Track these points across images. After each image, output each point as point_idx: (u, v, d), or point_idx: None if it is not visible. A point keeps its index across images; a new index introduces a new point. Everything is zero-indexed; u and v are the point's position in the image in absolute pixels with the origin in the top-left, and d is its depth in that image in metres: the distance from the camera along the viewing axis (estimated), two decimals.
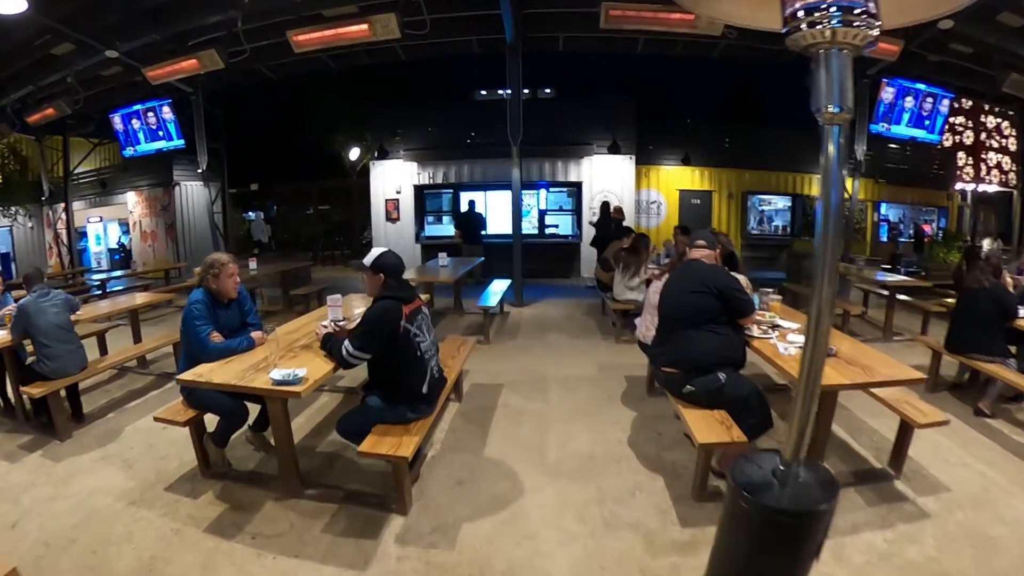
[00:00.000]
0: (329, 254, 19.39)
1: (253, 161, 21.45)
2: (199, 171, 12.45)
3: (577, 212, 14.21)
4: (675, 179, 16.80)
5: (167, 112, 12.10)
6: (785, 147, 17.34)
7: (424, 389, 3.52)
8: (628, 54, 11.90)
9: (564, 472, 3.99)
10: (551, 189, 14.29)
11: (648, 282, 7.45)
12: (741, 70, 21.70)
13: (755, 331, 4.03)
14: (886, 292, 8.37)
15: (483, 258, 11.46)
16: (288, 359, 3.65)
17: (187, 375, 3.42)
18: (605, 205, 12.18)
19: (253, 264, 9.35)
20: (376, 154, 14.39)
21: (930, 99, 11.33)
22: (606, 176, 13.67)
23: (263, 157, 22.46)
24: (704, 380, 3.59)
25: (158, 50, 9.83)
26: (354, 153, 14.46)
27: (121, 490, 3.79)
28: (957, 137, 16.47)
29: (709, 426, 3.40)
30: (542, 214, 14.60)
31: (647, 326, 4.76)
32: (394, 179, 14.47)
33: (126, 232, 18.02)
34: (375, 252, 3.54)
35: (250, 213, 21.23)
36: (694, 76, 22.27)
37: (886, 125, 11.32)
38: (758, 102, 22.23)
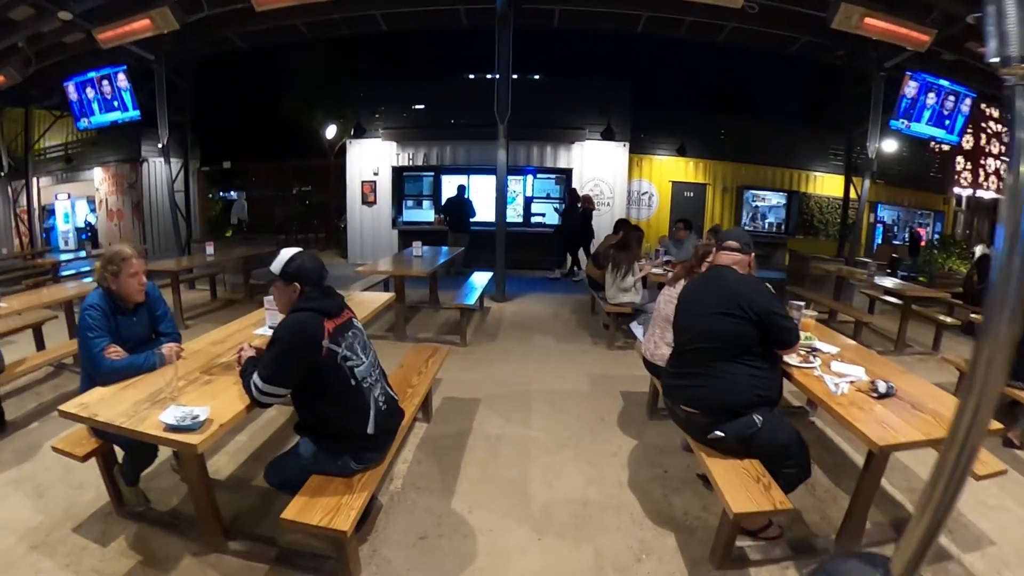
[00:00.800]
0: (303, 237, 18.45)
1: (227, 137, 20.72)
2: (159, 146, 11.35)
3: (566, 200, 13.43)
4: (668, 170, 16.11)
5: (122, 80, 10.96)
6: (781, 142, 16.83)
7: (369, 429, 2.67)
8: (627, 34, 11.12)
9: (553, 526, 3.23)
10: (539, 175, 13.48)
11: (645, 280, 6.83)
12: (739, 60, 21.12)
13: (793, 358, 3.29)
14: (894, 300, 7.83)
15: (464, 247, 10.71)
16: (197, 388, 2.82)
17: (71, 405, 2.59)
18: (573, 193, 11.43)
19: (210, 249, 8.50)
20: (352, 132, 13.48)
21: (952, 97, 10.59)
22: (598, 163, 12.92)
23: (238, 133, 21.67)
24: (736, 425, 2.86)
25: (115, 13, 8.91)
26: (331, 131, 13.56)
27: (26, 528, 3.09)
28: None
29: (744, 486, 2.66)
30: (528, 201, 13.81)
31: (655, 342, 4.03)
32: (371, 159, 13.60)
33: (94, 210, 17.01)
34: (285, 254, 2.70)
35: (232, 193, 20.27)
36: (691, 64, 21.55)
37: (906, 122, 10.59)
38: (756, 94, 21.63)
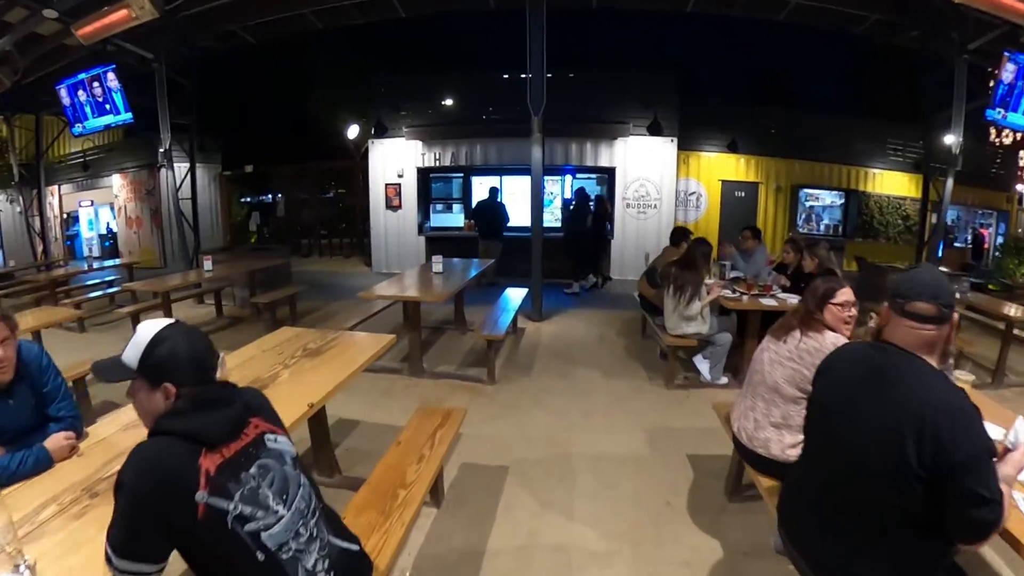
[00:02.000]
0: (327, 243, 17.60)
1: (250, 140, 20.17)
2: (160, 150, 10.49)
3: (609, 201, 12.25)
4: (717, 168, 14.80)
5: (112, 80, 10.09)
6: (837, 136, 15.33)
7: None
8: (669, 19, 9.99)
9: None
10: (578, 175, 12.30)
11: (723, 310, 5.63)
12: (791, 44, 19.49)
13: None
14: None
15: (496, 257, 9.67)
16: (66, 523, 1.76)
17: None
18: (581, 192, 10.22)
19: (208, 264, 7.57)
20: (374, 131, 12.50)
21: None
22: (643, 161, 11.70)
23: (261, 135, 21.01)
24: None
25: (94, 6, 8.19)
26: (353, 131, 12.63)
27: None
28: (1019, 134, 14.54)
29: None
30: (567, 204, 12.61)
31: (754, 419, 2.84)
32: (395, 160, 12.61)
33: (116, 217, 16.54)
34: (146, 333, 1.51)
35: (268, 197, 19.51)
36: (738, 51, 19.99)
37: (1002, 112, 9.05)
38: (808, 83, 19.90)
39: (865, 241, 15.50)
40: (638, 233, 11.89)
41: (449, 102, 12.28)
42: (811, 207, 15.95)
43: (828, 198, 15.89)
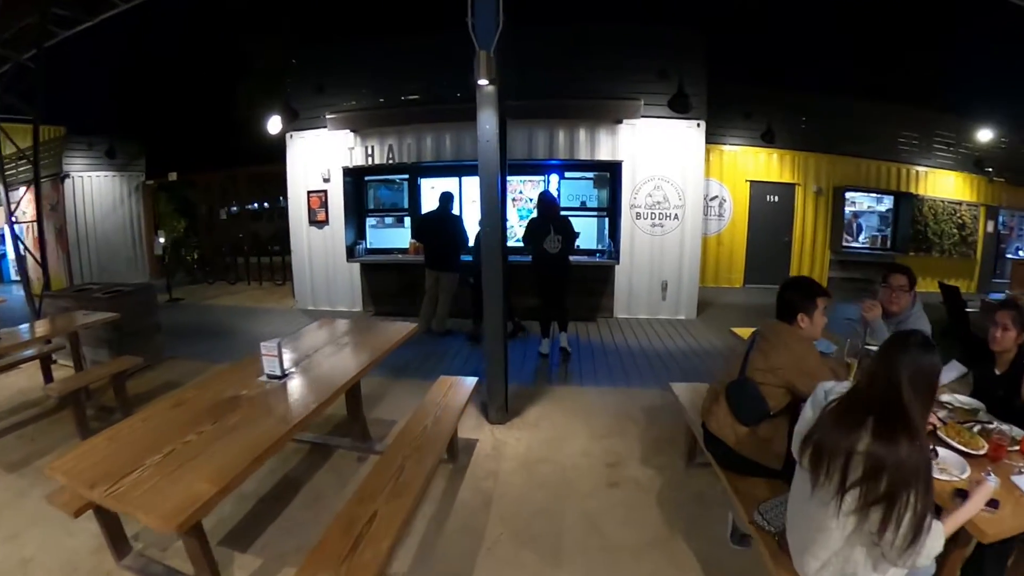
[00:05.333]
0: (258, 264, 13.95)
1: (175, 144, 16.73)
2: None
3: (611, 211, 8.88)
4: (746, 165, 11.60)
5: None
6: (884, 126, 12.24)
7: None
8: None
9: None
10: (567, 174, 8.89)
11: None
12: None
13: None
14: None
15: (450, 295, 6.37)
16: None
17: None
18: (545, 198, 6.65)
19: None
20: (286, 120, 9.13)
21: None
22: (660, 152, 8.31)
23: (186, 138, 17.65)
24: None
25: None
26: (274, 124, 9.26)
27: None
28: None
29: None
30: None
31: None
32: (320, 159, 9.19)
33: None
34: None
35: None
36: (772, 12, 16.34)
37: None
38: (839, 60, 16.36)
39: (917, 255, 12.39)
40: (652, 254, 8.51)
41: (386, 77, 8.85)
42: (854, 214, 12.82)
43: (865, 202, 12.76)
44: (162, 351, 6.73)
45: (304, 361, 3.54)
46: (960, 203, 12.80)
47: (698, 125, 8.25)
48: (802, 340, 2.75)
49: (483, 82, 3.96)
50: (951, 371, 3.42)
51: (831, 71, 14.94)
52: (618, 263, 8.39)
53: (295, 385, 3.15)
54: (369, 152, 8.77)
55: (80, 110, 14.98)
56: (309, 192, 9.36)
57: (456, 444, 4.05)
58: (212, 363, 6.47)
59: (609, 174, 8.69)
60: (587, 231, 8.57)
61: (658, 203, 8.37)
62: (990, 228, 13.45)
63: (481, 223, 4.29)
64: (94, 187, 12.77)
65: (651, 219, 8.44)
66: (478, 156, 4.17)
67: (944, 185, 12.78)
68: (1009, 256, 14.02)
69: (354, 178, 9.31)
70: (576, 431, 4.57)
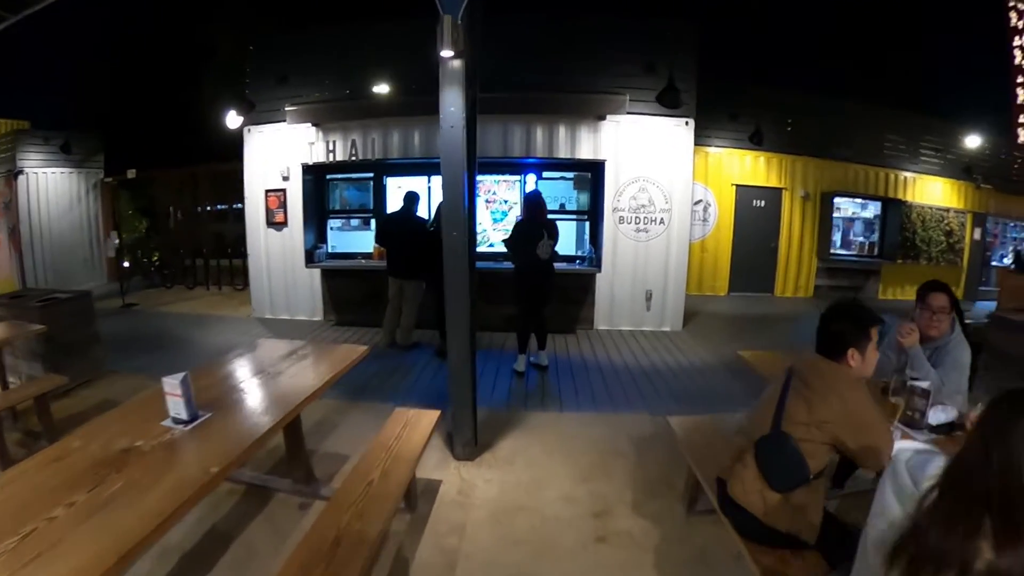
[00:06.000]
0: (217, 267, 13.13)
1: (134, 139, 15.83)
2: None
3: (593, 214, 8.27)
4: (731, 168, 11.12)
5: None
6: (873, 130, 12.00)
7: None
8: None
9: None
10: (544, 174, 8.26)
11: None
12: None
13: None
14: None
15: (414, 308, 5.67)
16: None
17: None
18: (534, 199, 5.90)
19: None
20: (242, 113, 8.40)
21: None
22: (646, 151, 7.72)
23: (146, 133, 16.71)
24: None
25: None
26: (233, 119, 8.54)
27: None
28: None
29: None
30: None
31: None
32: (279, 155, 8.47)
33: None
34: None
35: None
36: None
37: None
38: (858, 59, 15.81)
39: (904, 263, 12.08)
40: (636, 261, 7.93)
41: (349, 67, 8.16)
42: (850, 220, 12.47)
43: (851, 208, 12.39)
44: (102, 365, 6.04)
45: (226, 396, 2.86)
46: (948, 210, 12.54)
47: (686, 124, 7.68)
48: (855, 384, 2.14)
49: (447, 54, 3.25)
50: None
51: (818, 72, 14.55)
52: (600, 271, 7.78)
53: (205, 433, 2.47)
54: (330, 148, 8.06)
55: (35, 102, 14.16)
56: (267, 191, 8.62)
57: (415, 489, 3.40)
58: (154, 379, 5.72)
59: (591, 174, 8.08)
60: (567, 236, 7.91)
61: (643, 206, 7.78)
62: (977, 235, 13.22)
63: (444, 226, 3.60)
64: (49, 184, 11.93)
65: (635, 223, 7.85)
66: (440, 146, 3.47)
67: (932, 191, 12.52)
68: (994, 264, 13.80)
69: (315, 176, 8.59)
70: (556, 470, 3.93)
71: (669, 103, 7.10)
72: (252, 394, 2.92)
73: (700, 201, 10.84)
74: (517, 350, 6.02)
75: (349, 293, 8.35)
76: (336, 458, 4.05)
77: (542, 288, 5.79)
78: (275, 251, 8.72)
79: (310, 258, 8.41)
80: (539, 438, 4.40)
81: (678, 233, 7.91)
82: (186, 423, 2.54)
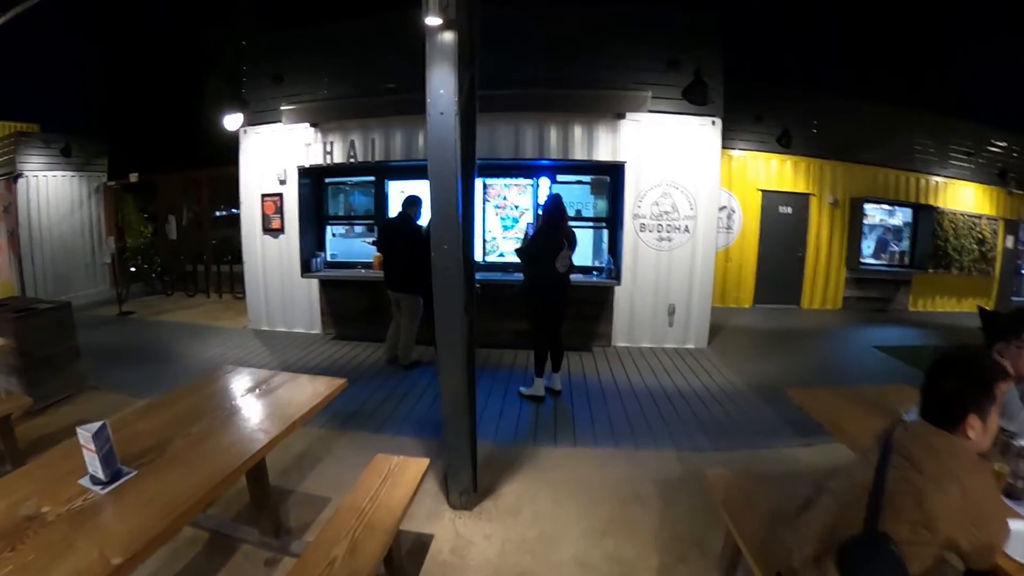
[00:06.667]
0: (217, 273, 12.66)
1: (140, 143, 15.56)
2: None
3: (611, 221, 7.66)
4: (757, 173, 10.50)
5: None
6: (903, 132, 11.26)
7: None
8: None
9: None
10: (559, 177, 7.66)
11: None
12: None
13: None
14: None
15: (416, 325, 5.18)
16: None
17: None
18: (556, 205, 5.24)
19: None
20: (238, 113, 7.92)
21: None
22: (670, 152, 7.09)
23: (151, 136, 16.37)
24: None
25: None
26: (232, 121, 8.06)
27: None
28: None
29: None
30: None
31: None
32: (276, 158, 7.97)
33: None
34: None
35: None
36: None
37: None
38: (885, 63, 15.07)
39: (936, 273, 11.38)
40: (658, 273, 7.31)
41: (349, 66, 7.64)
42: (870, 227, 11.75)
43: (878, 215, 11.69)
44: (84, 380, 5.64)
45: (165, 444, 2.31)
46: (979, 216, 11.81)
47: (713, 123, 7.07)
48: (976, 465, 1.53)
49: (435, 21, 2.63)
50: None
51: (845, 72, 13.83)
52: (619, 283, 7.16)
53: (121, 501, 1.91)
54: (328, 149, 7.54)
55: (38, 105, 13.87)
56: (264, 196, 8.13)
57: (398, 549, 2.82)
58: (137, 397, 5.29)
59: (609, 178, 7.46)
60: (583, 245, 7.25)
61: (666, 213, 7.17)
62: (1009, 243, 12.48)
63: (433, 239, 3.01)
64: (50, 188, 11.58)
65: (658, 232, 7.23)
66: (428, 137, 2.87)
67: (963, 197, 11.82)
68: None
69: (312, 180, 8.08)
70: (568, 522, 3.33)
71: (696, 99, 6.47)
72: (197, 442, 2.36)
73: (724, 207, 10.20)
74: (529, 370, 5.45)
75: (349, 305, 7.82)
76: (315, 502, 3.50)
77: (559, 304, 5.22)
78: (272, 259, 8.21)
79: (307, 267, 7.89)
80: (549, 481, 3.80)
81: (704, 242, 7.29)
82: (104, 484, 2.00)
